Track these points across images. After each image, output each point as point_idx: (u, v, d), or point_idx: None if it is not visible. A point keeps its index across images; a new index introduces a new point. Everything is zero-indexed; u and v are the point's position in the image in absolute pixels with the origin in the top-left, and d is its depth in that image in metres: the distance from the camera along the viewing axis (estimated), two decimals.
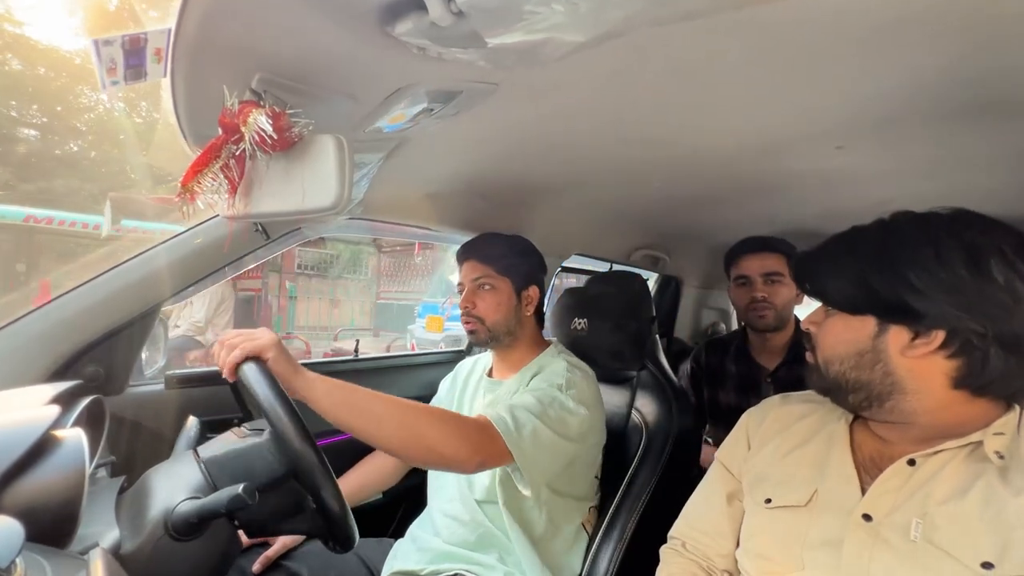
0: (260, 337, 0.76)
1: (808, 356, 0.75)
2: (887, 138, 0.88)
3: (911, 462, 0.63)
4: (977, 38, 0.55)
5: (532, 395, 1.00)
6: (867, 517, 0.63)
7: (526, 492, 0.95)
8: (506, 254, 1.19)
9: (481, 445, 0.88)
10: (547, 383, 1.05)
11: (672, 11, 0.37)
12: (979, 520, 0.57)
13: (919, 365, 0.63)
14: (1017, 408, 0.63)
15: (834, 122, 0.83)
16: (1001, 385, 0.62)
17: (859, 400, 0.67)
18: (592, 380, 1.13)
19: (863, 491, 0.66)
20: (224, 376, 0.77)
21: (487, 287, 1.17)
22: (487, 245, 1.21)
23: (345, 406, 0.79)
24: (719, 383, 1.57)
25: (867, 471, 0.68)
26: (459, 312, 1.20)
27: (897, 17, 0.52)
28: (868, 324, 0.65)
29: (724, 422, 1.54)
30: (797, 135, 0.89)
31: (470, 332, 1.17)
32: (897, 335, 0.63)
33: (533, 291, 1.22)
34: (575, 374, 1.08)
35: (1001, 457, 0.59)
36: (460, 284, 1.21)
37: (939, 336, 0.61)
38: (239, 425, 0.92)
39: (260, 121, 0.49)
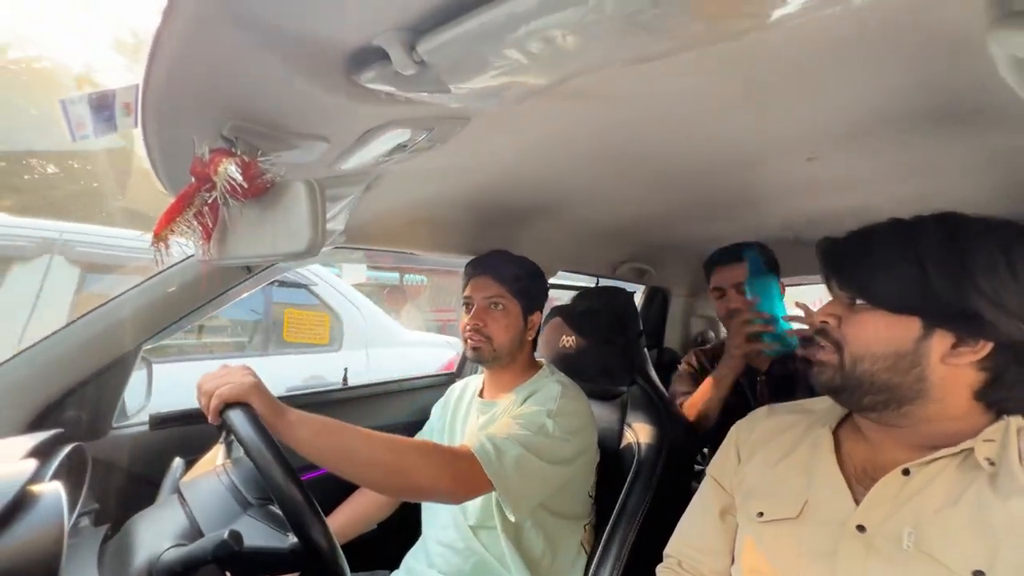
0: (240, 381, 0.74)
1: (820, 353, 0.69)
2: (856, 147, 0.90)
3: (906, 472, 0.63)
4: (937, 53, 0.57)
5: (519, 421, 1.00)
6: (861, 528, 0.63)
7: (512, 518, 0.95)
8: (520, 276, 1.19)
9: (463, 476, 0.88)
10: (538, 406, 1.04)
11: (635, 56, 0.38)
12: (969, 527, 0.57)
13: (951, 373, 0.61)
14: (1007, 418, 0.63)
15: (803, 134, 0.84)
16: (1018, 401, 0.62)
17: (876, 401, 0.64)
18: (584, 401, 1.12)
19: (855, 501, 0.66)
20: (209, 421, 0.76)
21: (500, 307, 1.16)
22: (503, 264, 1.20)
23: (329, 450, 0.79)
24: None
25: (859, 481, 0.68)
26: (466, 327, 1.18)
27: (861, 36, 0.53)
28: (913, 325, 0.61)
29: (719, 423, 1.54)
30: (770, 148, 0.91)
31: (474, 349, 1.15)
32: (941, 340, 0.60)
33: (537, 316, 1.22)
34: (567, 398, 1.08)
35: (992, 464, 0.59)
36: (468, 298, 1.19)
37: (987, 347, 0.59)
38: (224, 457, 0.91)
39: (231, 170, 0.49)
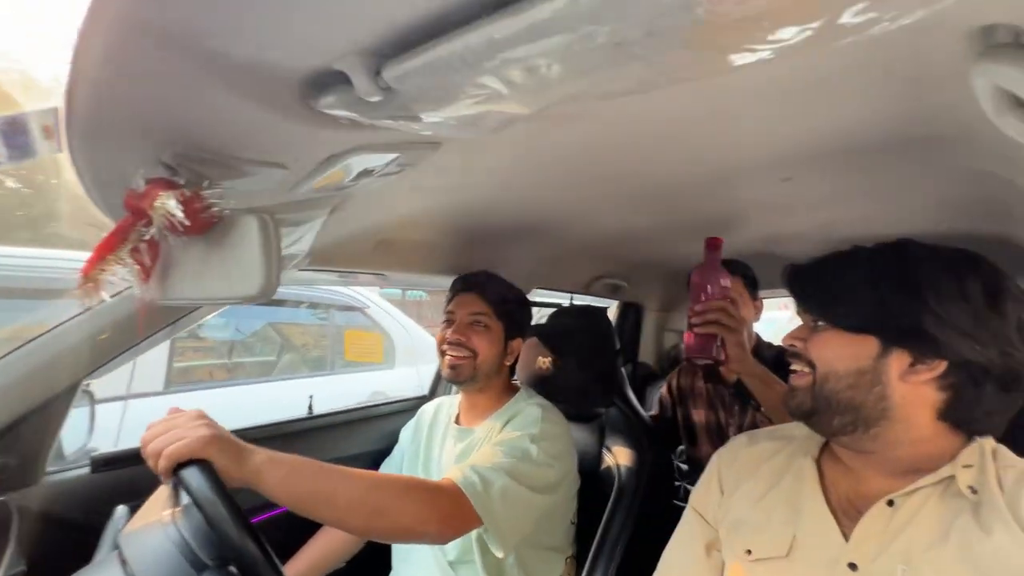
0: (194, 435, 0.65)
1: (795, 378, 0.72)
2: (827, 168, 0.91)
3: (890, 503, 0.63)
4: (909, 80, 0.58)
5: (502, 448, 0.95)
6: (852, 566, 0.62)
7: (499, 554, 0.90)
8: (508, 300, 1.17)
9: (449, 514, 0.82)
10: (520, 431, 1.00)
11: (625, 88, 0.35)
12: (961, 565, 0.56)
13: (912, 392, 0.62)
14: (978, 439, 0.64)
15: (779, 156, 0.85)
16: (983, 422, 0.63)
17: (844, 423, 0.65)
18: (564, 424, 1.09)
19: (844, 535, 0.64)
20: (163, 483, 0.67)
21: (482, 326, 1.13)
22: (492, 284, 1.17)
23: (304, 495, 0.72)
24: (691, 402, 1.58)
25: (845, 513, 0.67)
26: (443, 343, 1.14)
27: (836, 65, 0.54)
28: (870, 344, 0.64)
29: (695, 441, 1.55)
30: (745, 169, 0.91)
31: (454, 367, 1.11)
32: (899, 359, 0.62)
33: (518, 343, 1.19)
34: (549, 422, 1.04)
35: (974, 492, 0.60)
36: (451, 313, 1.16)
37: (941, 365, 0.61)
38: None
39: (169, 205, 0.43)
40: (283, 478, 0.70)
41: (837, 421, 0.66)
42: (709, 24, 0.28)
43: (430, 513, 0.80)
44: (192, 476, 0.62)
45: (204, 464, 0.64)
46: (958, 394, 0.61)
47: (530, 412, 1.07)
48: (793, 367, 0.72)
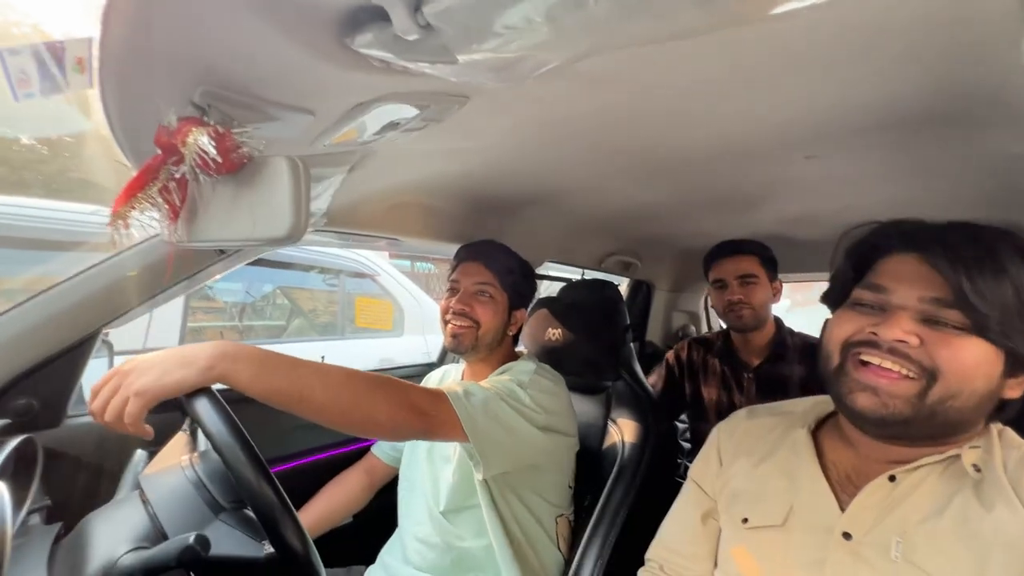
0: (164, 368, 0.63)
1: (888, 380, 0.58)
2: (854, 146, 0.89)
3: (892, 478, 0.63)
4: (952, 51, 0.55)
5: (488, 383, 0.97)
6: (847, 535, 0.62)
7: (480, 474, 0.92)
8: (513, 270, 1.16)
9: (426, 412, 0.83)
10: (509, 378, 1.02)
11: (669, 30, 0.34)
12: (957, 539, 0.57)
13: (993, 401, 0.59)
14: (991, 426, 0.63)
15: (804, 133, 0.83)
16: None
17: (924, 434, 0.60)
18: (561, 387, 1.10)
19: (840, 507, 0.65)
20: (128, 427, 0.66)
21: (486, 295, 1.13)
22: (497, 254, 1.17)
23: (277, 390, 0.70)
24: (703, 378, 1.59)
25: (842, 487, 0.67)
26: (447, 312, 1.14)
27: (866, 33, 0.51)
28: (1000, 359, 0.56)
29: (704, 417, 1.57)
30: (768, 145, 0.89)
31: (456, 335, 1.11)
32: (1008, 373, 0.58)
33: (521, 314, 1.19)
34: (541, 376, 1.05)
35: (978, 470, 0.59)
36: (455, 282, 1.15)
37: None
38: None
39: (201, 142, 0.43)
40: (255, 375, 0.68)
41: (923, 431, 0.59)
42: None
43: (405, 406, 0.80)
44: (201, 404, 0.62)
45: (206, 391, 0.64)
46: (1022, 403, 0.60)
47: (523, 366, 1.08)
48: (886, 365, 0.58)
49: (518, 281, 1.17)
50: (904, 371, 0.57)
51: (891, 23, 0.50)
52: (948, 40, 0.53)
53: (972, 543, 0.56)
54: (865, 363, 0.60)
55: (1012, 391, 0.60)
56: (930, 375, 0.56)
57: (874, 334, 0.59)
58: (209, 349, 0.66)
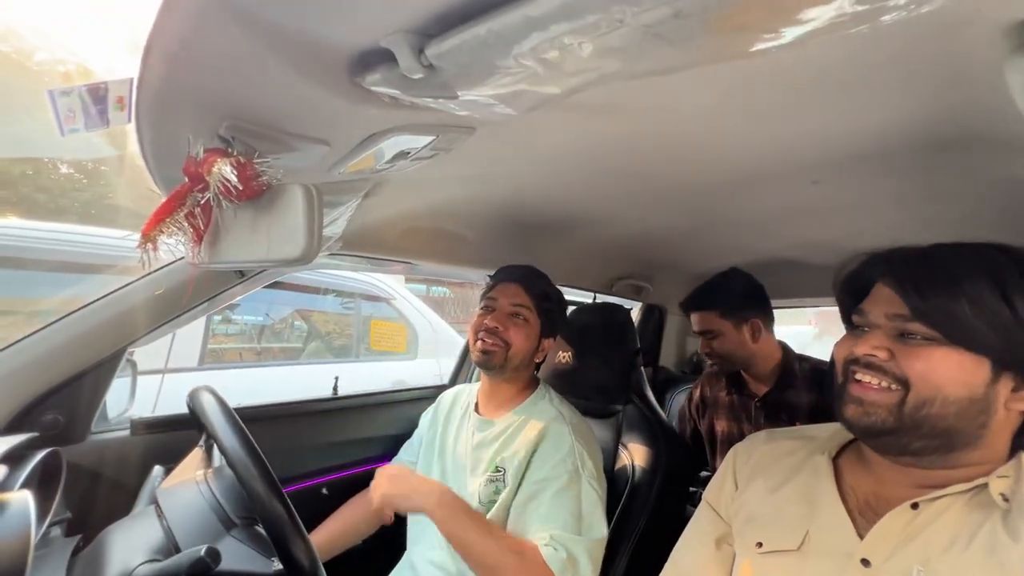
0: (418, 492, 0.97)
1: (872, 392, 0.61)
2: (860, 172, 0.89)
3: (914, 506, 0.61)
4: (943, 79, 0.57)
5: (565, 507, 0.97)
6: (865, 562, 0.60)
7: None
8: (549, 296, 1.18)
9: None
10: (561, 464, 1.01)
11: (651, 69, 0.36)
12: (982, 569, 0.55)
13: (1005, 418, 0.58)
14: (1020, 454, 0.61)
15: (810, 158, 0.84)
16: None
17: (927, 447, 0.60)
18: (590, 433, 1.11)
19: (859, 534, 0.63)
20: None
21: (521, 318, 1.13)
22: (537, 279, 1.18)
23: (451, 533, 0.93)
24: (715, 411, 1.57)
25: (861, 513, 0.65)
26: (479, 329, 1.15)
27: (868, 61, 0.53)
28: (984, 367, 0.57)
29: (720, 450, 1.54)
30: (774, 171, 0.90)
31: (486, 352, 1.11)
32: (1005, 384, 0.58)
33: (549, 343, 1.20)
34: (581, 441, 1.06)
35: (1006, 500, 0.57)
36: (492, 300, 1.16)
37: None
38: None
39: (225, 171, 0.47)
40: (445, 517, 0.94)
41: (919, 444, 0.60)
42: (737, 5, 0.29)
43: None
44: (210, 406, 0.65)
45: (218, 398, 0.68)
46: None
47: (560, 435, 1.05)
48: (865, 379, 0.62)
49: (553, 308, 1.18)
50: (882, 382, 0.61)
51: (879, 57, 0.52)
52: (936, 72, 0.55)
53: (998, 574, 0.54)
54: (858, 380, 0.64)
55: (1016, 404, 0.59)
56: (904, 384, 0.60)
57: (854, 351, 0.64)
58: (441, 495, 0.97)
